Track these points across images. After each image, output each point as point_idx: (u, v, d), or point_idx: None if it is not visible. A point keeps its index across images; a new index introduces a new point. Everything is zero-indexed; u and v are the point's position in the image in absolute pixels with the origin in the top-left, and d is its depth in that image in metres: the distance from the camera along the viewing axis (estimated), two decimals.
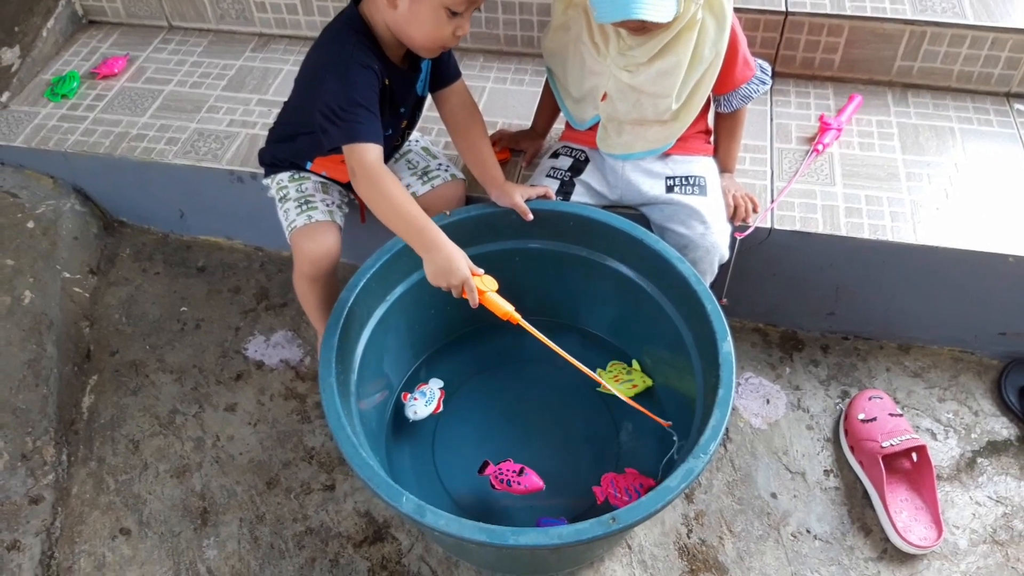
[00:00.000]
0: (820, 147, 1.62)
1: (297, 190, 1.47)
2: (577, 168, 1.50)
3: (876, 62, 1.76)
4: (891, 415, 1.47)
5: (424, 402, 1.42)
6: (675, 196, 1.42)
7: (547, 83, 1.56)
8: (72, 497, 1.46)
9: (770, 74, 1.44)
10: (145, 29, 2.10)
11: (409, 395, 1.44)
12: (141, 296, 1.77)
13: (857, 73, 1.79)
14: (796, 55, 1.79)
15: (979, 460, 1.47)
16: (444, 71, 1.41)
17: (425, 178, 1.50)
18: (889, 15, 1.71)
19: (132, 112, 1.84)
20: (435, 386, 1.47)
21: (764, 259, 1.55)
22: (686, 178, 1.45)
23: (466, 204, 1.52)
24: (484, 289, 1.25)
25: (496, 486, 1.31)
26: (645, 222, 1.47)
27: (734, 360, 1.20)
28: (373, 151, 1.23)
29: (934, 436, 1.51)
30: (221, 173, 1.70)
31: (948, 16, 1.70)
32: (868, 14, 1.71)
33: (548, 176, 1.50)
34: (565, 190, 1.48)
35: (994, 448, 1.49)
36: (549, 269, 1.50)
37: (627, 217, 1.41)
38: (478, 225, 1.43)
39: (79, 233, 1.81)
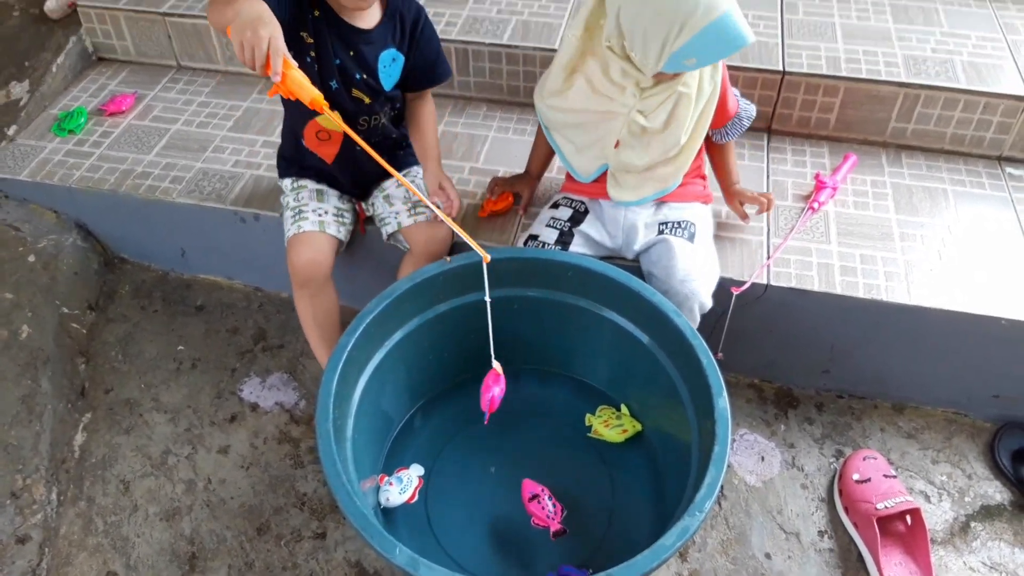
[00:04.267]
0: (816, 205, 1.64)
1: (295, 199, 1.54)
2: (576, 219, 1.52)
3: (871, 123, 1.80)
4: (885, 476, 1.48)
5: (399, 489, 1.37)
6: (666, 236, 1.45)
7: (539, 131, 1.59)
8: (60, 537, 1.44)
9: (753, 108, 1.52)
10: (154, 68, 2.13)
11: (386, 478, 1.39)
12: (139, 334, 1.77)
13: (852, 133, 1.83)
14: (792, 114, 1.83)
15: (973, 524, 1.47)
16: (424, 75, 1.51)
17: (414, 211, 1.53)
18: (884, 78, 1.75)
19: (138, 149, 1.86)
20: (414, 473, 1.41)
21: (760, 315, 1.56)
22: (678, 223, 1.47)
23: (451, 246, 1.55)
24: (291, 64, 1.13)
25: (535, 514, 1.34)
26: (641, 274, 1.49)
27: (730, 416, 1.20)
28: None
29: (928, 499, 1.51)
30: (225, 213, 1.72)
31: (941, 80, 1.74)
32: (863, 76, 1.75)
33: (548, 226, 1.52)
34: (563, 240, 1.49)
35: (988, 512, 1.49)
36: (546, 317, 1.51)
37: (624, 268, 1.43)
38: (477, 273, 1.43)
39: (79, 268, 1.82)
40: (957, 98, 1.72)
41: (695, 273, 1.40)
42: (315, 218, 1.50)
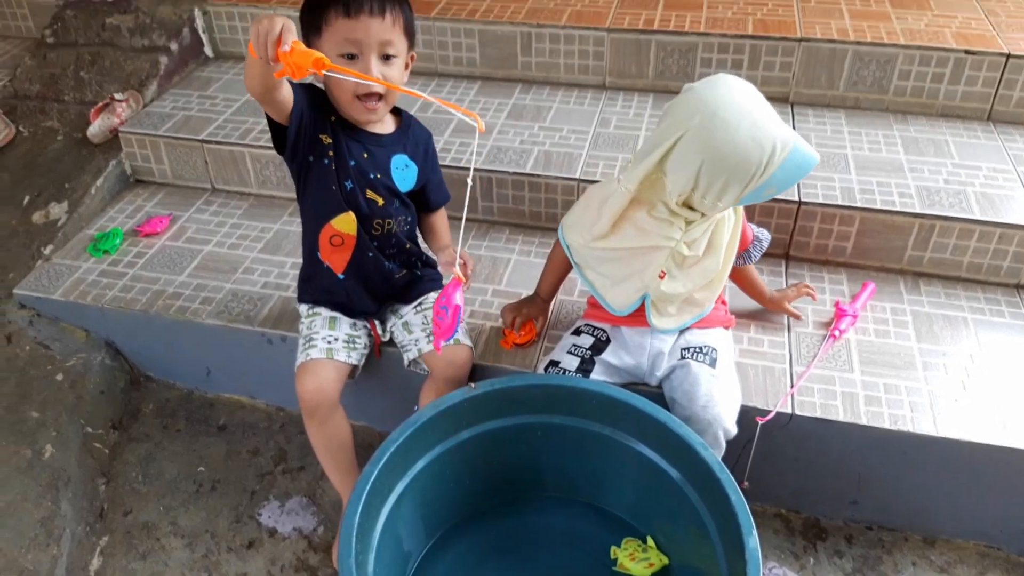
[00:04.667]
0: (837, 333, 1.66)
1: (307, 327, 1.57)
2: (598, 347, 1.54)
3: (887, 251, 1.84)
4: None
5: None
6: (686, 361, 1.46)
7: (555, 247, 1.61)
8: None
9: (765, 232, 1.59)
10: (189, 190, 2.22)
11: None
12: (160, 454, 1.77)
13: (869, 260, 1.86)
14: (810, 241, 1.87)
15: None
16: (430, 196, 1.60)
17: (432, 337, 1.54)
18: (898, 208, 1.80)
19: (170, 270, 1.92)
20: None
21: (785, 443, 1.55)
22: (700, 348, 1.48)
23: (471, 371, 1.57)
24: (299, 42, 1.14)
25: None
26: (662, 399, 1.49)
27: (760, 556, 1.18)
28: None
29: None
30: (252, 334, 1.75)
31: (955, 211, 1.79)
32: (878, 207, 1.80)
33: (569, 352, 1.53)
34: (584, 367, 1.51)
35: None
36: (569, 445, 1.50)
37: (645, 395, 1.43)
38: (502, 399, 1.45)
39: (106, 387, 1.84)
40: (972, 228, 1.76)
41: (717, 398, 1.40)
42: (324, 345, 1.51)
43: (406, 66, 1.44)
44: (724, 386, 1.43)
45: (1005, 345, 1.66)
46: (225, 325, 1.76)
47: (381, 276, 1.59)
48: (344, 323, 1.58)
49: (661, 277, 1.45)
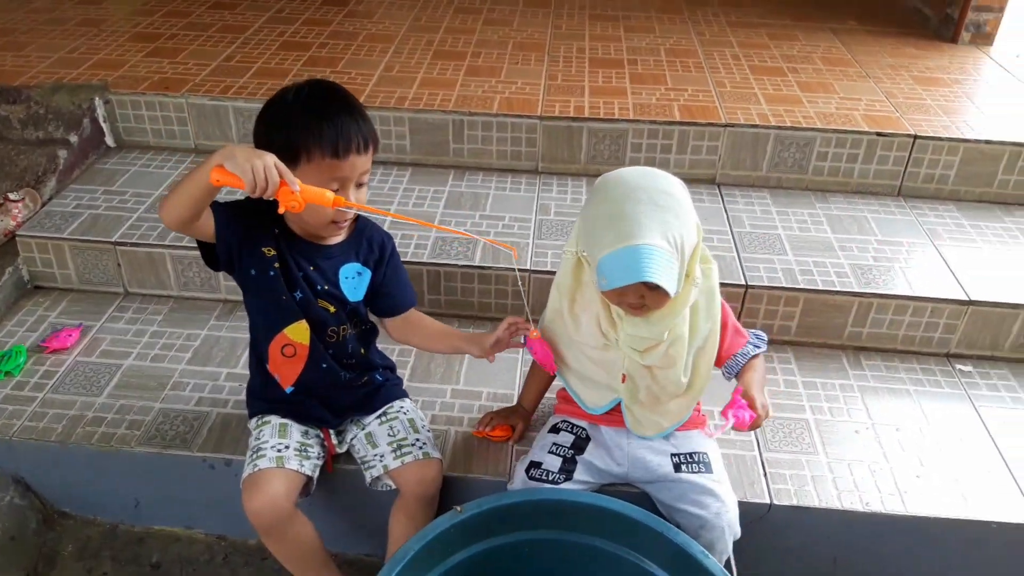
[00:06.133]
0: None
1: (255, 438, 1.46)
2: (579, 446, 1.49)
3: (830, 328, 1.91)
4: None
5: None
6: (684, 475, 1.43)
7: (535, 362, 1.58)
8: None
9: (766, 340, 1.49)
10: (99, 295, 2.03)
11: None
12: None
13: (813, 338, 1.92)
14: (756, 322, 1.91)
15: None
16: (391, 300, 1.51)
17: (398, 452, 1.46)
18: (838, 288, 1.88)
19: (87, 391, 1.72)
20: None
21: (765, 533, 1.54)
22: (691, 455, 1.46)
23: (442, 483, 1.49)
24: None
25: None
26: (648, 500, 1.46)
27: None
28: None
29: None
30: (191, 460, 1.59)
31: (889, 288, 1.88)
32: (820, 287, 1.87)
33: (551, 452, 1.48)
34: (567, 468, 1.45)
35: None
36: (558, 558, 1.44)
37: (629, 496, 1.39)
38: (491, 519, 1.37)
39: (16, 532, 1.61)
40: (906, 304, 1.86)
41: (730, 505, 1.39)
42: (273, 454, 1.41)
43: None
44: (727, 490, 1.42)
45: (948, 414, 1.74)
46: (159, 452, 1.59)
47: (337, 387, 1.50)
48: (295, 430, 1.48)
49: (623, 381, 1.43)
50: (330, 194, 1.19)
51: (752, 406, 1.34)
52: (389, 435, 1.49)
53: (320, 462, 1.49)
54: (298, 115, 1.30)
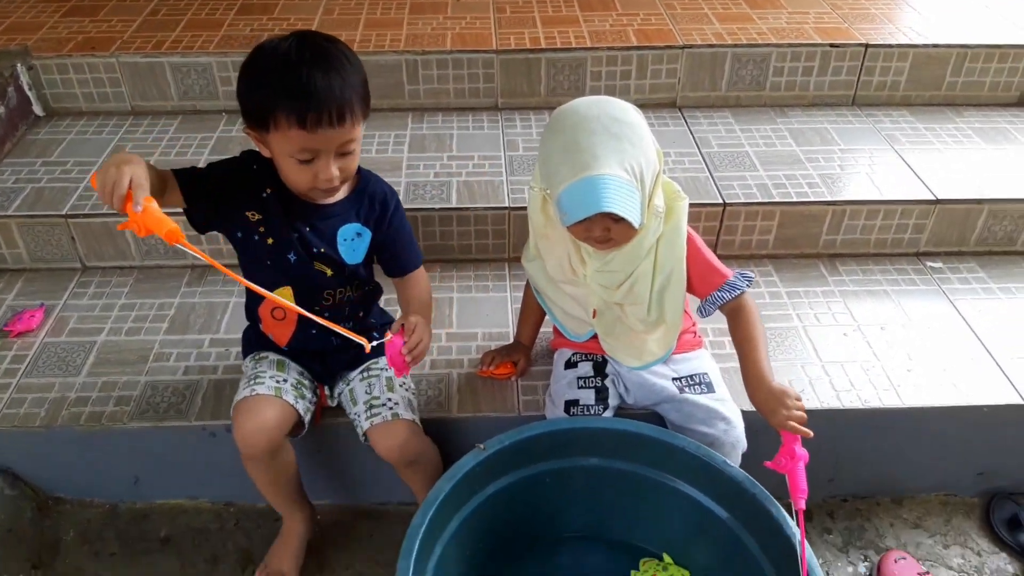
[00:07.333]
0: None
1: (252, 368, 1.43)
2: (600, 371, 1.50)
3: (806, 238, 1.95)
4: (920, 575, 1.52)
5: None
6: (688, 396, 1.45)
7: (527, 294, 1.57)
8: None
9: (751, 279, 1.39)
10: (55, 273, 1.91)
11: None
12: None
13: (790, 249, 1.96)
14: (735, 239, 1.94)
15: None
16: (393, 261, 1.45)
17: (368, 412, 1.42)
18: (811, 198, 1.91)
19: (64, 372, 1.64)
20: None
21: (769, 442, 1.59)
22: (691, 376, 1.48)
23: (425, 444, 1.45)
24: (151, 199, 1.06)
25: None
26: (658, 419, 1.48)
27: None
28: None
29: None
30: (191, 430, 1.53)
31: (861, 194, 1.93)
32: (794, 199, 1.90)
33: (580, 387, 1.48)
34: (601, 397, 1.46)
35: None
36: (580, 484, 1.45)
37: (640, 417, 1.41)
38: (514, 454, 1.36)
39: (12, 523, 1.53)
40: (877, 208, 1.91)
41: (736, 422, 1.42)
42: (272, 384, 1.38)
43: None
44: (732, 407, 1.44)
45: (927, 310, 1.82)
46: (155, 426, 1.53)
47: (329, 349, 1.47)
48: (293, 369, 1.45)
49: (593, 316, 1.44)
50: (171, 224, 1.04)
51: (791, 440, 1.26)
52: (366, 393, 1.45)
53: (312, 407, 1.45)
54: (267, 74, 1.18)
